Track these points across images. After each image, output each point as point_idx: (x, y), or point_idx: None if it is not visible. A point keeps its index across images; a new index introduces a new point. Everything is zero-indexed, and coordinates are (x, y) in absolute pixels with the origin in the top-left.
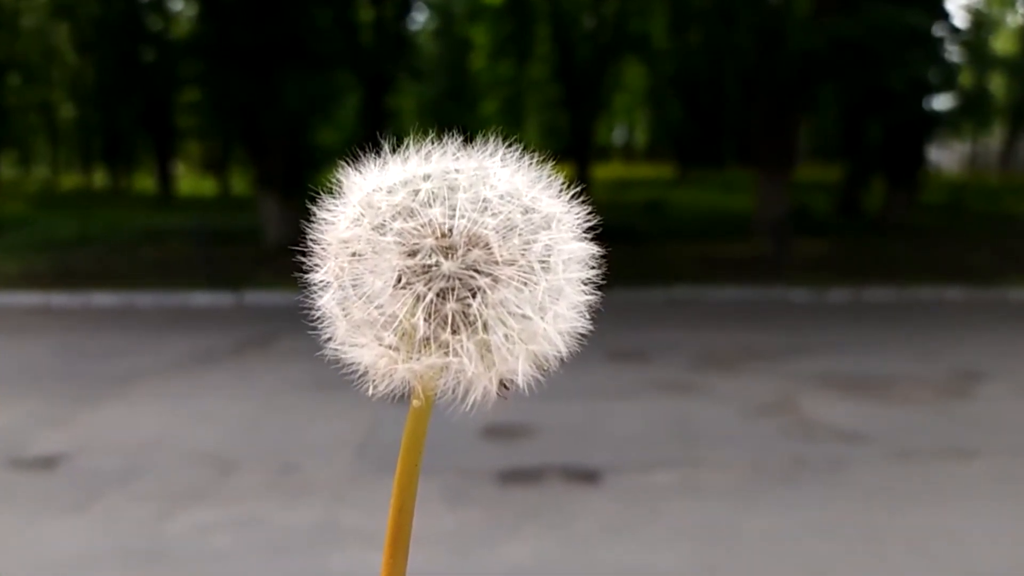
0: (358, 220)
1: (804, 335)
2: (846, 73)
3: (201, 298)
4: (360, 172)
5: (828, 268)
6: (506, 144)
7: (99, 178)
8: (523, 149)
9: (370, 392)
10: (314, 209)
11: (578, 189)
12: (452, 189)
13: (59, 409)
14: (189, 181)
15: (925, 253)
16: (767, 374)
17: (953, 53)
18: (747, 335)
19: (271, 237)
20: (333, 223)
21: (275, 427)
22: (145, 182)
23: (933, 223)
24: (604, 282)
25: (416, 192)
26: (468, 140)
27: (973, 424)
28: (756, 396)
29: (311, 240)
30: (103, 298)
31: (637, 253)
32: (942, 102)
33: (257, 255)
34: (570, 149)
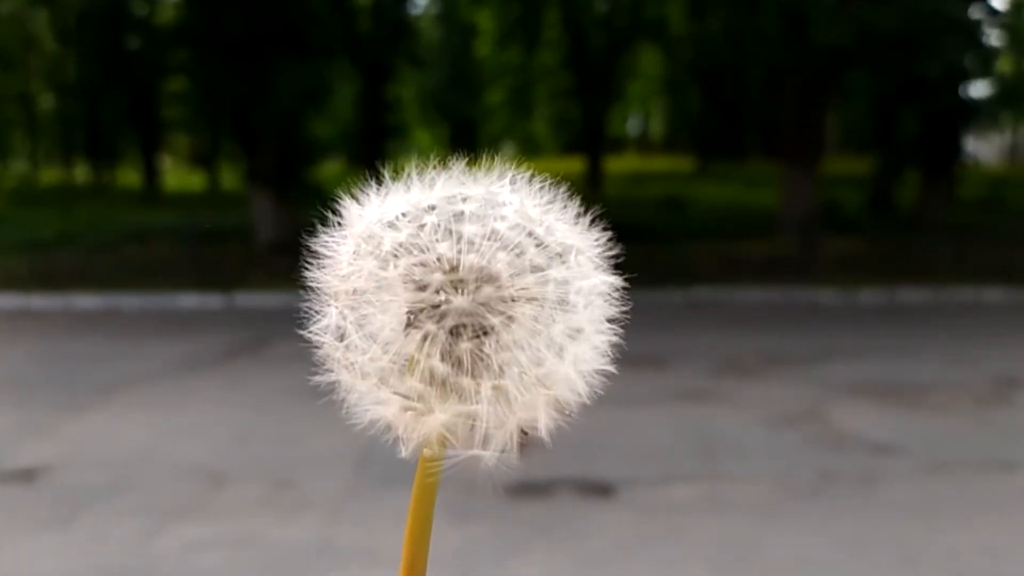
0: (359, 255)
1: (833, 339)
2: (877, 61)
3: (189, 300)
4: (360, 201)
5: (859, 267)
6: (516, 164)
7: (81, 173)
8: (532, 155)
9: (404, 452)
10: (312, 236)
11: (596, 213)
12: (459, 219)
13: (39, 418)
14: (176, 176)
15: (962, 251)
16: (793, 381)
17: (991, 37)
18: (772, 339)
19: (263, 236)
20: (333, 258)
21: (269, 438)
22: (130, 177)
23: (971, 219)
24: (618, 283)
25: (422, 224)
26: (474, 160)
27: (1014, 434)
28: (782, 405)
29: (309, 280)
30: (86, 300)
31: (654, 252)
32: (980, 90)
33: (248, 255)
34: (581, 141)
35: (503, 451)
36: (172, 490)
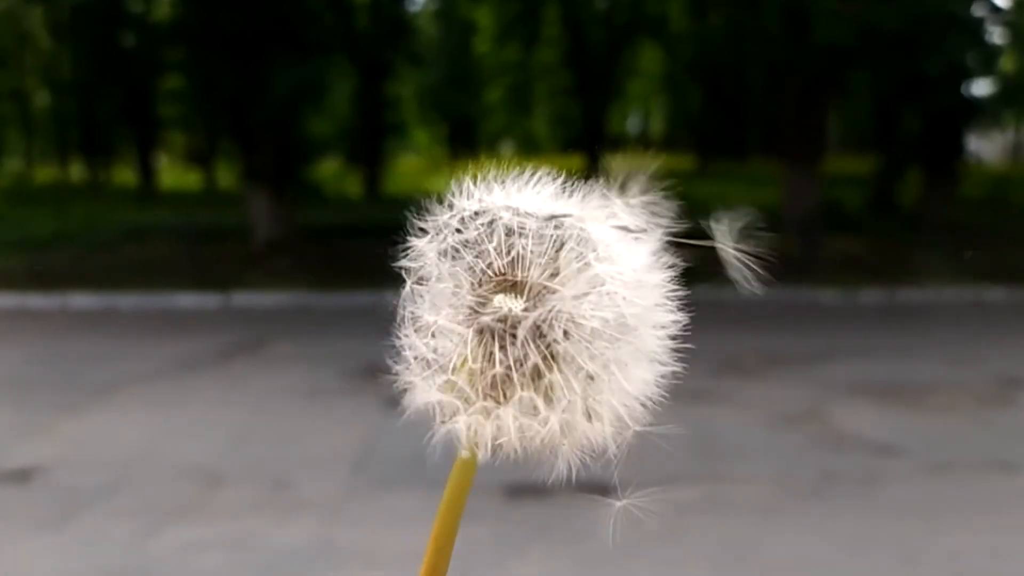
0: (433, 242)
1: (834, 339)
2: (879, 60)
3: (186, 300)
4: (445, 196)
5: (860, 267)
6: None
7: (76, 171)
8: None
9: (466, 454)
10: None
11: (671, 249)
12: (530, 232)
13: (35, 418)
14: (172, 174)
15: (964, 251)
16: (794, 381)
17: (994, 35)
18: (773, 339)
19: (260, 235)
20: (418, 241)
21: (266, 438)
22: (125, 175)
23: (973, 218)
24: (680, 318)
25: (491, 227)
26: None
27: (1015, 435)
28: (782, 405)
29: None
30: (82, 300)
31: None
32: (982, 88)
33: (246, 254)
34: (581, 139)
35: (548, 462)
36: (169, 490)
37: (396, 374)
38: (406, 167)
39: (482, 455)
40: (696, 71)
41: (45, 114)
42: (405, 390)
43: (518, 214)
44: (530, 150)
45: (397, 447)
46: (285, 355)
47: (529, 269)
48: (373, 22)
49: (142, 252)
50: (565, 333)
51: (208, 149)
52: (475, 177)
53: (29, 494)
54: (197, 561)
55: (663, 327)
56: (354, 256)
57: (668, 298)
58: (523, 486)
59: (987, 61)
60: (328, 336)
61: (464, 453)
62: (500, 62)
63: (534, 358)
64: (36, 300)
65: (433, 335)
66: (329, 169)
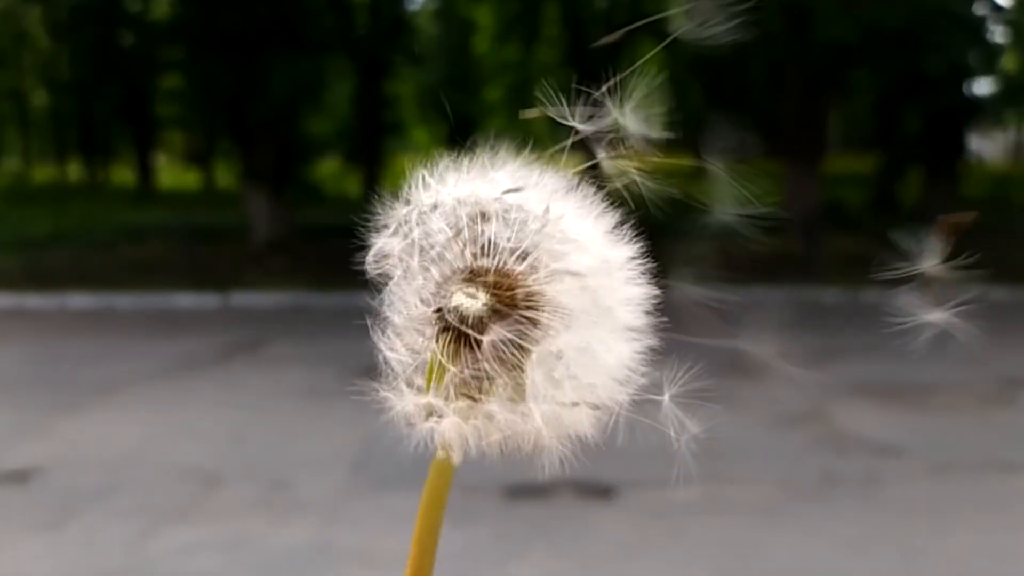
0: (395, 240)
1: (836, 339)
2: (880, 58)
3: (185, 300)
4: (410, 185)
5: (862, 266)
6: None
7: (74, 171)
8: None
9: (455, 460)
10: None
11: (639, 235)
12: (493, 218)
13: (33, 419)
14: (171, 174)
15: (965, 250)
16: (796, 382)
17: (995, 34)
18: (774, 339)
19: (259, 234)
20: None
21: (265, 439)
22: (124, 175)
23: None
24: (650, 294)
25: (454, 218)
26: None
27: (1017, 435)
28: (784, 405)
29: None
30: (80, 300)
31: (654, 251)
32: (983, 87)
33: (244, 254)
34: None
35: (525, 457)
36: (167, 491)
37: (381, 377)
38: (406, 166)
39: (459, 457)
40: (697, 70)
41: (43, 113)
42: (385, 393)
43: (475, 202)
44: (531, 150)
45: (396, 447)
46: (284, 355)
47: (492, 256)
48: (373, 21)
49: (140, 252)
50: (532, 319)
51: (207, 149)
52: (431, 168)
53: (27, 494)
54: (195, 561)
55: (634, 301)
56: (353, 256)
57: (636, 271)
58: (523, 486)
59: (988, 60)
60: (327, 336)
61: (442, 453)
62: (500, 62)
63: (502, 349)
64: (34, 300)
65: (401, 335)
66: (328, 169)
